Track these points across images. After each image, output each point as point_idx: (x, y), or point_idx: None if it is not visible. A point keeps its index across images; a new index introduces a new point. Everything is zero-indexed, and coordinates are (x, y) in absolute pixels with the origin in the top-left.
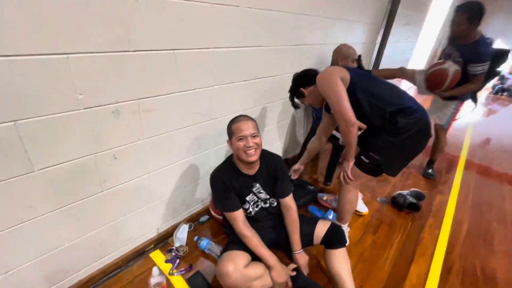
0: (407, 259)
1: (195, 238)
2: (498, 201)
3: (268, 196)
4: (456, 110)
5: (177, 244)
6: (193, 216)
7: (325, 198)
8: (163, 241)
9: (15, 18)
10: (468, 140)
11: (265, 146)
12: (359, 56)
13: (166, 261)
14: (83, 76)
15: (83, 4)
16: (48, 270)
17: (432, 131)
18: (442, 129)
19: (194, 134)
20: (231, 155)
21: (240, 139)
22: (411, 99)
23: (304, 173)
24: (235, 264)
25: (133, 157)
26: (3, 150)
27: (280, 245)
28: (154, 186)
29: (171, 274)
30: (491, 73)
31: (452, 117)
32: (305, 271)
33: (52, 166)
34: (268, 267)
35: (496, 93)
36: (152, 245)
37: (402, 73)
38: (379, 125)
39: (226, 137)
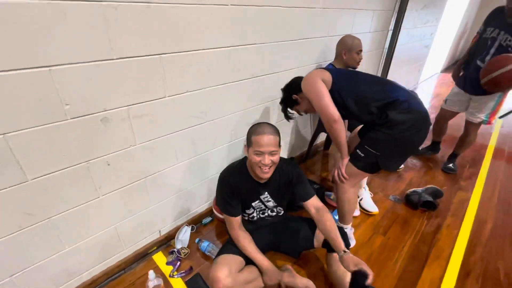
0: (419, 262)
1: (197, 240)
2: None
3: (276, 204)
4: (500, 102)
5: (178, 246)
6: (195, 218)
7: (332, 197)
8: (165, 243)
9: None
10: (498, 128)
11: None
12: None
13: (167, 263)
14: (68, 86)
15: (61, 16)
16: (52, 272)
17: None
18: (475, 124)
19: (190, 137)
20: (244, 159)
21: (257, 154)
22: (399, 90)
23: (312, 172)
24: (228, 269)
25: (127, 163)
26: None
27: (280, 248)
28: (152, 191)
29: (171, 276)
30: None
31: (495, 110)
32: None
33: (45, 175)
34: (261, 271)
35: None
36: (155, 247)
37: None
38: (370, 121)
39: (224, 139)
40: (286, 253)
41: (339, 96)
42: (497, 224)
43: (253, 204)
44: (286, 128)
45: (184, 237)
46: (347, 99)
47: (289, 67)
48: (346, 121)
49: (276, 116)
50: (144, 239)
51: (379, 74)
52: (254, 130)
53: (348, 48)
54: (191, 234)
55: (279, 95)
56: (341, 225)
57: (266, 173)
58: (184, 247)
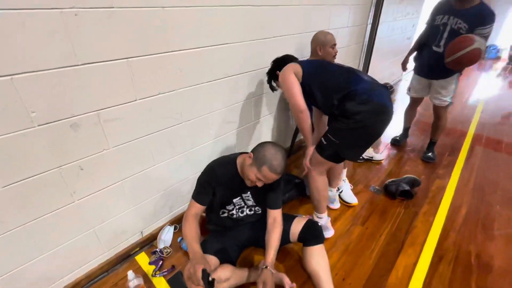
0: (395, 250)
1: (179, 239)
2: (505, 181)
3: (254, 204)
4: (457, 83)
5: (161, 246)
6: (178, 217)
7: None
8: (148, 243)
9: None
10: (477, 118)
11: (252, 143)
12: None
13: (150, 263)
14: (32, 94)
15: (19, 24)
16: (31, 278)
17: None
18: (444, 107)
19: (166, 138)
20: (239, 155)
21: (259, 179)
22: (363, 82)
23: (296, 167)
24: None
25: (101, 166)
26: None
27: (259, 243)
28: (130, 193)
29: (153, 275)
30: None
31: (455, 91)
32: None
33: (16, 182)
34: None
35: None
36: (138, 248)
37: None
38: (331, 112)
39: (203, 138)
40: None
41: (308, 87)
42: (471, 210)
43: (234, 200)
44: (266, 125)
45: (166, 237)
46: (314, 89)
47: (265, 64)
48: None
49: (253, 114)
50: (126, 241)
51: (360, 68)
52: (270, 159)
53: (322, 43)
54: (174, 233)
55: (256, 92)
56: (316, 213)
57: (251, 185)
58: (167, 247)
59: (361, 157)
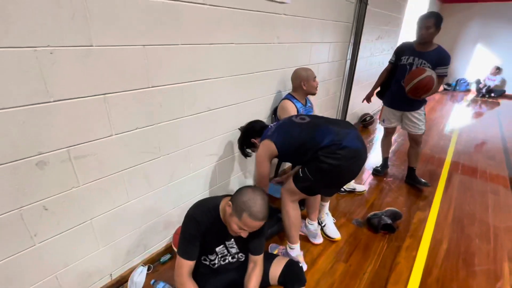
0: None
1: (152, 281)
2: (481, 213)
3: (238, 251)
4: (424, 112)
5: None
6: (152, 256)
7: None
8: (118, 287)
9: None
10: (453, 146)
11: (232, 176)
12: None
13: None
14: None
15: None
16: None
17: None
18: (420, 135)
19: (142, 173)
20: (222, 199)
21: (240, 228)
22: (329, 134)
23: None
24: None
25: (69, 205)
26: None
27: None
28: (100, 232)
29: None
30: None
31: (425, 119)
32: None
33: None
34: None
35: (483, 96)
36: None
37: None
38: (309, 161)
39: (182, 172)
40: None
41: (285, 157)
42: (451, 244)
43: (217, 249)
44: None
45: (139, 279)
46: (290, 156)
47: (248, 98)
48: None
49: (235, 148)
50: (92, 286)
51: (341, 100)
52: (249, 206)
53: (305, 79)
54: (147, 274)
55: (239, 124)
56: (289, 245)
57: (235, 234)
58: None
59: (343, 189)
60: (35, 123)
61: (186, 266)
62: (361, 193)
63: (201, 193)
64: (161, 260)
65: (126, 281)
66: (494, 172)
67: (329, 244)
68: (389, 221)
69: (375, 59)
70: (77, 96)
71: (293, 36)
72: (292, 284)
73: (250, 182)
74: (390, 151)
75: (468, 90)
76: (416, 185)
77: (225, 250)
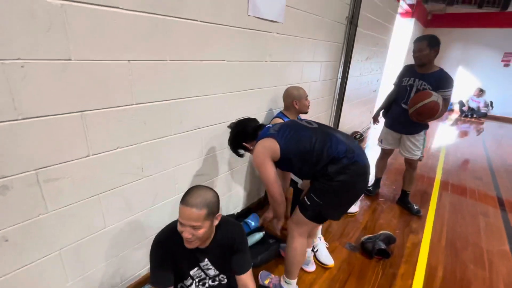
0: None
1: None
2: (473, 236)
3: (217, 273)
4: (425, 138)
5: None
6: (131, 287)
7: None
8: None
9: None
10: (440, 168)
11: (223, 196)
12: None
13: None
14: None
15: None
16: None
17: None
18: (415, 160)
19: (122, 196)
20: None
21: (180, 224)
22: (339, 145)
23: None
24: None
25: (34, 235)
26: None
27: None
28: (70, 264)
29: None
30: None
31: (425, 145)
32: None
33: None
34: None
35: (466, 116)
36: None
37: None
38: (314, 175)
39: (166, 194)
40: None
41: (287, 161)
42: (447, 271)
43: (191, 272)
44: (239, 176)
45: None
46: (294, 162)
47: (238, 116)
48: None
49: (226, 166)
50: None
51: (332, 118)
52: (184, 196)
53: (297, 98)
54: None
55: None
56: (286, 279)
57: (189, 244)
58: None
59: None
60: None
61: None
62: (353, 215)
63: None
64: None
65: None
66: (483, 192)
67: (322, 271)
68: (383, 246)
69: (364, 78)
70: (50, 113)
71: (285, 55)
72: None
73: (243, 201)
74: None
75: (452, 110)
76: (407, 211)
77: (202, 273)
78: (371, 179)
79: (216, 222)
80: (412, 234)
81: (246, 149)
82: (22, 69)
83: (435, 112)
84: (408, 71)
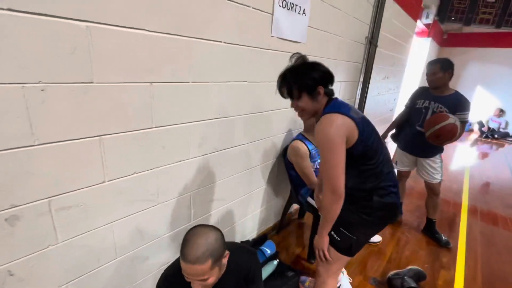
0: None
1: None
2: None
3: None
4: (442, 161)
5: None
6: None
7: (307, 283)
8: None
9: None
10: (466, 193)
11: (238, 220)
12: None
13: None
14: None
15: None
16: None
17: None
18: (434, 184)
19: (135, 224)
20: None
21: (186, 276)
22: (392, 173)
23: (285, 248)
24: None
25: (41, 268)
26: None
27: None
28: None
29: None
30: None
31: (442, 168)
32: None
33: None
34: None
35: (487, 136)
36: None
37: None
38: (354, 199)
39: (181, 220)
40: None
41: (349, 158)
42: None
43: None
44: (258, 196)
45: None
46: (357, 165)
47: (257, 138)
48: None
49: (242, 190)
50: None
51: None
52: (182, 247)
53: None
54: None
55: (250, 164)
56: None
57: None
58: None
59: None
60: (11, 170)
61: None
62: (376, 244)
63: None
64: None
65: None
66: None
67: None
68: (413, 285)
69: (381, 98)
70: (68, 138)
71: None
72: None
73: (259, 226)
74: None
75: (471, 130)
76: (435, 241)
77: None
78: None
79: (225, 261)
80: (444, 270)
81: (313, 98)
82: (42, 93)
83: (454, 134)
84: (422, 93)
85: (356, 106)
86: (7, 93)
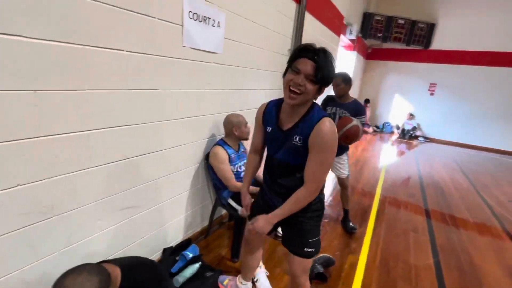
0: None
1: None
2: (404, 253)
3: None
4: (348, 157)
5: None
6: None
7: (225, 282)
8: None
9: None
10: (380, 188)
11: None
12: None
13: None
14: None
15: None
16: None
17: None
18: (345, 178)
19: (26, 239)
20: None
21: None
22: None
23: (211, 249)
24: None
25: None
26: None
27: None
28: None
29: None
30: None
31: (348, 164)
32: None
33: None
34: None
35: (402, 137)
36: None
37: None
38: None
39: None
40: None
41: None
42: None
43: None
44: (181, 203)
45: None
46: None
47: (176, 144)
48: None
49: (163, 195)
50: None
51: None
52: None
53: (236, 125)
54: None
55: (166, 172)
56: None
57: None
58: None
59: (279, 233)
60: None
61: None
62: None
63: (113, 254)
64: None
65: None
66: (414, 209)
67: None
68: (321, 270)
69: None
70: None
71: (226, 83)
72: None
73: (184, 231)
74: (326, 193)
75: (393, 132)
76: (344, 229)
77: None
78: None
79: None
80: (351, 254)
81: (318, 92)
82: None
83: (357, 134)
84: (330, 100)
85: None
86: None
